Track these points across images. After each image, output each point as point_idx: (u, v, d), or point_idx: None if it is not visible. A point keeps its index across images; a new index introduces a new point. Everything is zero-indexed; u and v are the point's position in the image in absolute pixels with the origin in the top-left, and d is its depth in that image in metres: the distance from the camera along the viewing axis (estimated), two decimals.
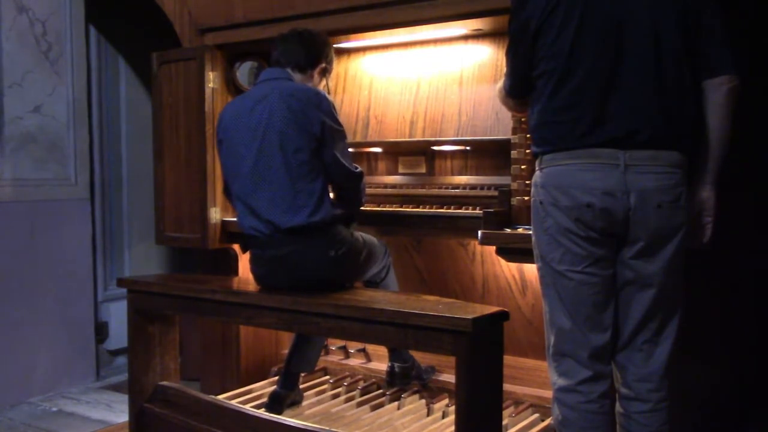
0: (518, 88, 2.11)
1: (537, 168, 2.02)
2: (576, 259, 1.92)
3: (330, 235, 2.49)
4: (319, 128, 2.46)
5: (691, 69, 1.92)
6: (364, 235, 2.73)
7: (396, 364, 2.93)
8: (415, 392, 3.07)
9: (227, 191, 2.70)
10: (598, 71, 1.87)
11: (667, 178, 1.88)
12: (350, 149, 2.70)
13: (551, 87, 1.93)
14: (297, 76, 2.63)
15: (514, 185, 2.57)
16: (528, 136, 2.55)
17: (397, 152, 3.13)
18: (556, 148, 1.93)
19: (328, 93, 2.75)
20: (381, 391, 3.14)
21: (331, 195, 2.65)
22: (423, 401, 3.00)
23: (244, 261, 3.34)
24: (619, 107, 1.87)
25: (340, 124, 2.57)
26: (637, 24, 1.86)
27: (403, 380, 2.96)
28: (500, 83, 2.22)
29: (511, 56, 2.07)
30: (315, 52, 2.66)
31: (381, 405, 2.98)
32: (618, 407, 2.03)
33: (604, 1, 1.87)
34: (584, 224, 1.89)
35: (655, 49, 1.87)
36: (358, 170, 2.65)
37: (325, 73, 2.72)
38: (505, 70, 2.15)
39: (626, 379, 2.00)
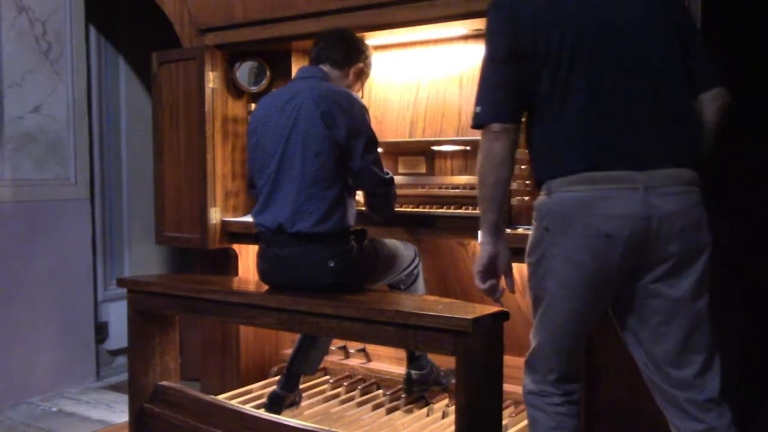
0: (514, 112, 1.87)
1: (543, 193, 1.86)
2: (579, 291, 1.82)
3: (334, 245, 2.46)
4: (345, 134, 2.42)
5: (689, 82, 1.86)
6: (383, 246, 2.69)
7: (413, 371, 2.90)
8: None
9: (251, 186, 2.67)
10: (603, 91, 1.78)
11: (687, 198, 1.78)
12: None
13: (555, 108, 1.81)
14: (334, 73, 2.60)
15: (514, 185, 2.57)
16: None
17: (397, 152, 3.12)
18: (566, 172, 1.79)
19: (361, 97, 2.72)
20: (381, 391, 3.14)
21: (359, 199, 2.64)
22: (423, 401, 3.00)
23: (244, 261, 3.35)
24: (630, 125, 1.77)
25: (371, 130, 2.52)
26: (637, 38, 1.79)
27: (421, 387, 2.92)
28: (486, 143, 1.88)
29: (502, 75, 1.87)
30: (354, 51, 2.64)
31: (381, 405, 2.98)
32: None
33: (592, 20, 1.79)
34: (598, 256, 1.76)
35: (658, 63, 1.80)
36: (388, 176, 2.61)
37: (361, 75, 2.69)
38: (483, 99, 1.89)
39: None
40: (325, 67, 2.61)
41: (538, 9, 1.82)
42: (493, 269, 1.97)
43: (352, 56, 2.64)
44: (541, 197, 1.87)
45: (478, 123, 1.88)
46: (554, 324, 1.88)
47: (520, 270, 2.93)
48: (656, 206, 1.74)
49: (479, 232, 2.46)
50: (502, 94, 1.85)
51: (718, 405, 1.84)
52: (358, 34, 2.75)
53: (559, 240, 1.81)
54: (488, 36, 1.91)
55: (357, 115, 2.47)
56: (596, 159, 1.77)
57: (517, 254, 2.42)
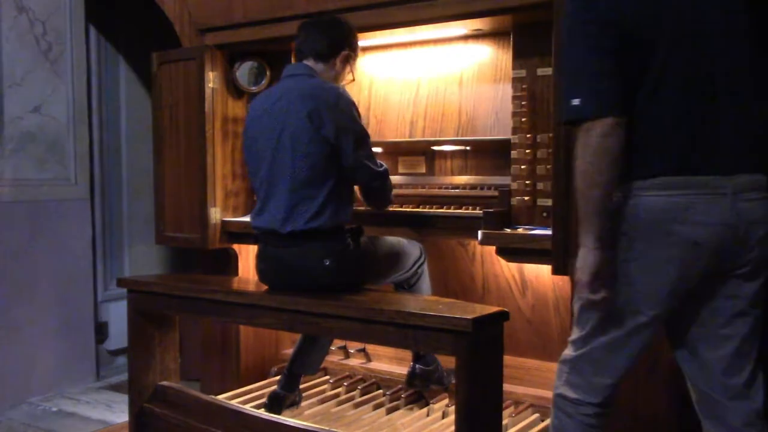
0: (622, 104, 1.69)
1: (624, 195, 1.74)
2: (656, 297, 1.74)
3: (329, 242, 2.44)
4: (334, 131, 2.39)
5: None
6: (384, 243, 2.68)
7: (417, 366, 2.88)
8: (415, 392, 3.06)
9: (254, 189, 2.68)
10: (692, 92, 1.70)
11: (766, 205, 1.73)
12: None
13: (642, 107, 1.70)
14: (319, 66, 2.55)
15: (514, 185, 2.57)
16: (528, 136, 2.56)
17: (397, 152, 3.13)
18: (650, 175, 1.70)
19: (353, 80, 2.69)
20: (381, 391, 3.14)
21: (357, 195, 2.63)
22: (423, 401, 3.00)
23: (244, 261, 3.35)
24: (717, 129, 1.71)
25: (360, 124, 2.48)
26: (728, 38, 1.74)
27: (423, 382, 2.91)
28: (590, 139, 1.68)
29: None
30: (336, 40, 2.57)
31: (381, 405, 2.98)
32: None
33: (689, 19, 1.72)
34: (683, 264, 1.70)
35: (746, 66, 1.76)
36: (382, 168, 2.58)
37: (349, 60, 2.62)
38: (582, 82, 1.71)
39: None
40: (310, 62, 2.56)
41: (637, 1, 1.71)
42: (602, 277, 1.76)
43: (335, 46, 2.57)
44: (616, 199, 1.75)
45: (580, 117, 1.69)
46: (622, 328, 1.79)
47: (520, 270, 2.94)
48: (743, 212, 1.69)
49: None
50: (609, 84, 1.67)
51: (762, 421, 1.81)
52: (353, 28, 2.66)
53: (638, 246, 1.72)
54: (582, 23, 1.72)
55: (344, 111, 2.43)
56: (684, 163, 1.69)
57: (518, 254, 2.45)
